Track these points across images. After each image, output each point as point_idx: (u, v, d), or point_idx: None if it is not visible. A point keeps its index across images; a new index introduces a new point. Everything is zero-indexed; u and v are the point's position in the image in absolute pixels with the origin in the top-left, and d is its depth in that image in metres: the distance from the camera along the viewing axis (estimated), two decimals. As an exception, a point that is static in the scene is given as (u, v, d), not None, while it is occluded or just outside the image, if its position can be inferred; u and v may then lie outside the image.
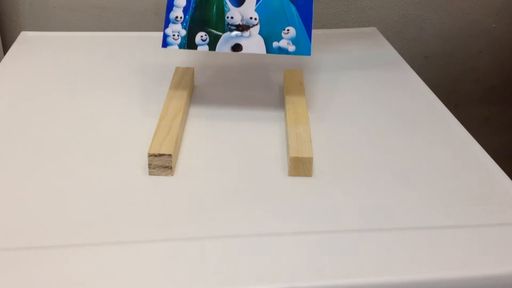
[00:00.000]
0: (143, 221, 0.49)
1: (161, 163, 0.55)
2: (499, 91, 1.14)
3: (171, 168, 0.55)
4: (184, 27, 0.62)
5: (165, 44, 0.62)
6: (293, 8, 0.61)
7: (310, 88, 0.73)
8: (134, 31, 1.00)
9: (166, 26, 0.62)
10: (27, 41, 0.85)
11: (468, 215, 0.51)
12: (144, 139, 0.60)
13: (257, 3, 0.62)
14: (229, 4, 0.62)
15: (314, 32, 0.73)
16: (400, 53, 0.85)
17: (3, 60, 0.79)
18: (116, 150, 0.59)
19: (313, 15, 0.62)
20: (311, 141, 0.58)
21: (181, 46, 0.62)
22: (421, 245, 0.48)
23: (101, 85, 0.73)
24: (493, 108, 1.16)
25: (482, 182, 0.56)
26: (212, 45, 0.62)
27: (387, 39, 0.90)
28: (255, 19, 0.61)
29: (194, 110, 0.67)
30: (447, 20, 1.06)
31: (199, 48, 0.62)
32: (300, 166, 0.56)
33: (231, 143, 0.61)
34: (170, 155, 0.55)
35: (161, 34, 0.87)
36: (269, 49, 0.61)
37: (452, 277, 0.45)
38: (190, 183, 0.55)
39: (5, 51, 0.97)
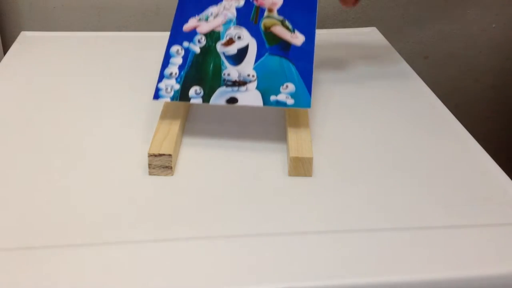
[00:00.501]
0: (143, 221, 0.49)
1: (161, 163, 0.55)
2: (499, 91, 1.14)
3: (171, 168, 0.55)
4: (178, 82, 0.60)
5: (156, 96, 0.59)
6: (293, 68, 0.60)
7: (310, 88, 0.73)
8: (134, 31, 1.00)
9: (159, 80, 0.60)
10: (27, 41, 0.85)
11: (468, 215, 0.51)
12: (144, 139, 0.60)
13: (255, 62, 0.61)
14: (226, 63, 0.60)
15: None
16: (400, 53, 0.85)
17: (3, 60, 0.79)
18: (116, 150, 0.59)
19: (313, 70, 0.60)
20: (311, 141, 0.58)
21: (173, 98, 0.59)
22: (421, 245, 0.48)
23: (101, 85, 0.73)
24: (493, 108, 1.16)
25: (482, 182, 0.56)
26: (206, 98, 0.59)
27: (387, 39, 0.90)
28: (253, 76, 0.60)
29: (194, 110, 0.67)
30: (447, 20, 1.06)
31: (192, 100, 0.59)
32: (300, 166, 0.56)
33: (231, 143, 0.61)
34: (170, 155, 0.55)
35: (161, 34, 0.87)
36: (266, 102, 0.59)
37: (452, 277, 0.45)
38: (190, 183, 0.55)
39: (5, 51, 0.97)
